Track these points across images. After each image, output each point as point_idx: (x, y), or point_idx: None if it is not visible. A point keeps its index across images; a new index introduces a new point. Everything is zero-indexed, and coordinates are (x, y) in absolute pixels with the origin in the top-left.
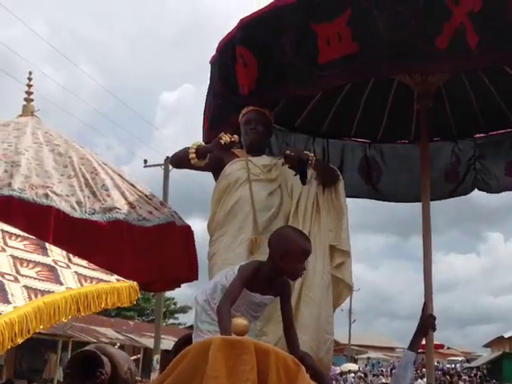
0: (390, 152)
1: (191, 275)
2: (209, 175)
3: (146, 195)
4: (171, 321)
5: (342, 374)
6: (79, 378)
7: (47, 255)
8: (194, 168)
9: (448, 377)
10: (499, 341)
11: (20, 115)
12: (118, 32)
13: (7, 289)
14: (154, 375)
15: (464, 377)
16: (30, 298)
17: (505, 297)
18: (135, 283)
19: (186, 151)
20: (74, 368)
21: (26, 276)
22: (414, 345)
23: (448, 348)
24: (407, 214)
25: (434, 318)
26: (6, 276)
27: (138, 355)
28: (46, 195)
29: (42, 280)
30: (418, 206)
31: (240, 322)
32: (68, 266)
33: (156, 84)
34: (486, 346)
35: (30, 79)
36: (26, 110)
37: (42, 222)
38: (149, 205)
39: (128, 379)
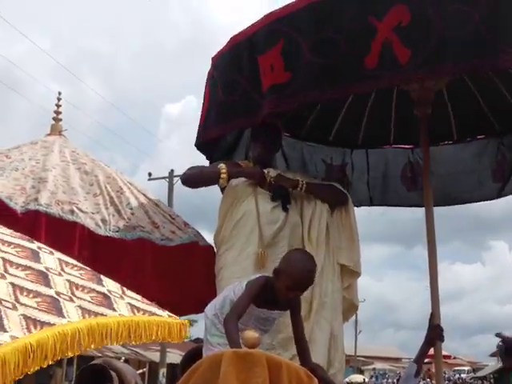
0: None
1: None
2: (213, 187)
3: (169, 215)
4: None
5: None
6: None
7: (102, 285)
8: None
9: None
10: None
11: (48, 134)
12: (122, 46)
13: (62, 306)
14: None
15: None
16: (84, 317)
17: (511, 306)
18: (186, 321)
19: (215, 172)
20: (83, 382)
21: (81, 298)
22: (419, 356)
23: (454, 358)
24: (410, 223)
25: (442, 329)
26: (62, 295)
27: (144, 369)
28: (72, 211)
29: (96, 304)
30: (420, 214)
31: (251, 334)
32: (122, 297)
33: (159, 97)
34: (493, 355)
35: (59, 99)
36: (54, 129)
37: (67, 237)
38: (172, 224)
39: None
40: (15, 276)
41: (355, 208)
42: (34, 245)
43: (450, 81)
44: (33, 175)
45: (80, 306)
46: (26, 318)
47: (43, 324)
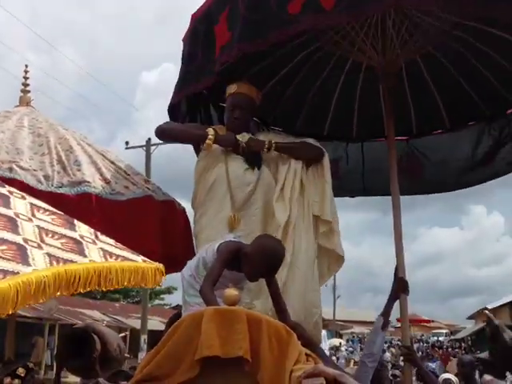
0: (426, 145)
1: (175, 250)
2: (191, 157)
3: (124, 171)
4: (157, 301)
5: (330, 348)
6: (71, 355)
7: (74, 230)
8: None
9: (437, 349)
10: (483, 312)
11: (17, 106)
12: (98, 14)
13: (29, 253)
14: (142, 355)
15: (450, 349)
16: (52, 265)
17: (488, 268)
18: (161, 265)
19: (201, 135)
20: (66, 346)
21: (50, 245)
22: (386, 309)
23: (432, 321)
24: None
25: (406, 282)
26: (30, 242)
27: (126, 333)
28: (11, 169)
29: (66, 251)
30: None
31: (231, 292)
32: (94, 242)
33: (136, 66)
34: (470, 317)
35: (26, 72)
36: (22, 101)
37: None
38: (126, 180)
39: (117, 356)
40: None
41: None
42: (5, 189)
43: (425, 57)
44: None
45: (48, 254)
46: None
47: (6, 273)
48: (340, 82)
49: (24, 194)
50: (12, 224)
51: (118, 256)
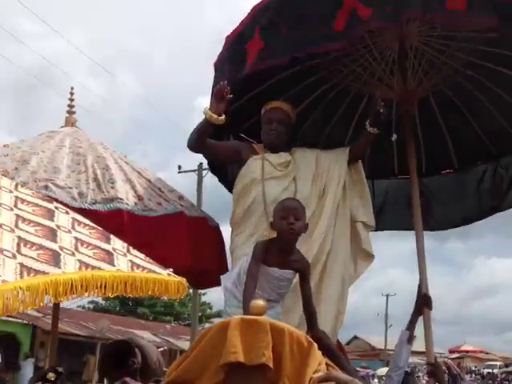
0: (435, 184)
1: (206, 265)
2: None
3: (159, 189)
4: (207, 325)
5: (379, 377)
6: (113, 366)
7: (108, 243)
8: (210, 148)
9: (490, 381)
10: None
11: (62, 126)
12: (157, 42)
13: (62, 259)
14: None
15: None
16: (80, 269)
17: None
18: (184, 280)
19: (202, 120)
20: (109, 357)
21: (83, 254)
22: (410, 323)
23: (487, 353)
24: None
25: (429, 298)
26: (65, 250)
27: (165, 348)
28: (46, 187)
29: (97, 259)
30: None
31: (258, 303)
32: (125, 255)
33: (192, 91)
34: None
35: (71, 93)
36: (68, 122)
37: None
38: (159, 197)
39: (157, 369)
40: (24, 230)
41: None
42: (52, 205)
43: (436, 95)
44: (19, 159)
45: (80, 260)
46: (22, 266)
47: (37, 272)
48: (353, 123)
49: (68, 210)
50: (52, 234)
51: (144, 268)
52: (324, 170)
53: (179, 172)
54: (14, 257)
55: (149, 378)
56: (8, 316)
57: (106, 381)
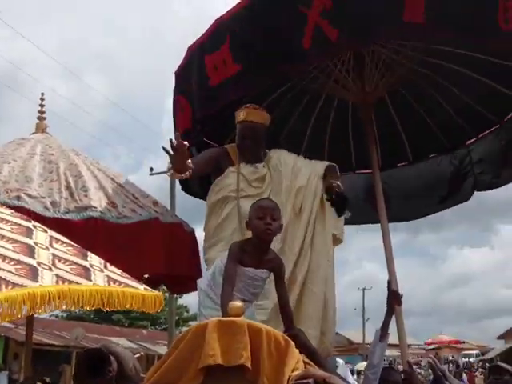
0: (392, 178)
1: (181, 270)
2: None
3: (132, 195)
4: (184, 328)
5: (358, 372)
6: (88, 375)
7: (86, 260)
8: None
9: (466, 370)
10: None
11: (33, 133)
12: (124, 40)
13: (39, 273)
14: None
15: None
16: (58, 283)
17: None
18: (161, 294)
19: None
20: (83, 366)
21: (60, 269)
22: (383, 323)
23: (463, 342)
24: None
25: (399, 294)
26: (42, 265)
27: (141, 353)
28: (18, 197)
29: (74, 274)
30: None
31: (236, 304)
32: (102, 270)
33: (162, 92)
34: (500, 337)
35: (42, 99)
36: (38, 128)
37: None
38: (134, 203)
39: (133, 375)
40: (2, 247)
41: None
42: (31, 223)
43: (391, 94)
44: None
45: (57, 275)
46: (0, 279)
47: (15, 285)
48: (311, 120)
49: (46, 228)
50: (30, 250)
51: (121, 283)
52: (302, 185)
53: (151, 174)
54: None
55: None
56: None
57: None
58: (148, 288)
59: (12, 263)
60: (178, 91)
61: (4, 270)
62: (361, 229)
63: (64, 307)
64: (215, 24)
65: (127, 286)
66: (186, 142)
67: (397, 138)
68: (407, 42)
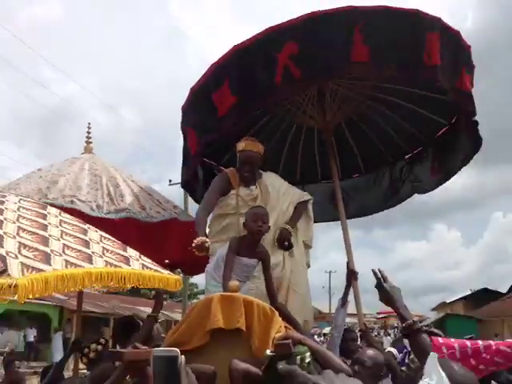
0: (348, 185)
1: (195, 258)
2: None
3: (158, 200)
4: (194, 301)
5: (324, 334)
6: (122, 336)
7: (126, 251)
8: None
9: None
10: (443, 305)
11: (82, 153)
12: (154, 81)
13: (93, 259)
14: None
15: None
16: (107, 266)
17: (448, 272)
18: (180, 277)
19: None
20: (118, 330)
21: (108, 257)
22: (343, 294)
23: None
24: None
25: (355, 272)
26: (95, 254)
27: (162, 319)
28: (72, 201)
29: (118, 261)
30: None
31: (233, 283)
32: (137, 259)
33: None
34: (433, 309)
35: (89, 127)
36: (86, 149)
37: None
38: (158, 207)
39: (156, 336)
40: (67, 240)
41: None
42: (86, 226)
43: (346, 121)
44: (50, 179)
45: (106, 261)
46: (66, 261)
47: (77, 266)
48: (287, 143)
49: (97, 229)
50: (86, 244)
51: (151, 269)
52: (282, 210)
53: (170, 184)
54: (61, 255)
55: (150, 343)
56: (40, 299)
57: (118, 346)
58: (171, 273)
59: (74, 251)
60: (185, 123)
61: (68, 255)
62: (328, 226)
63: (111, 284)
64: (213, 67)
65: (156, 271)
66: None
67: (352, 154)
68: (356, 77)
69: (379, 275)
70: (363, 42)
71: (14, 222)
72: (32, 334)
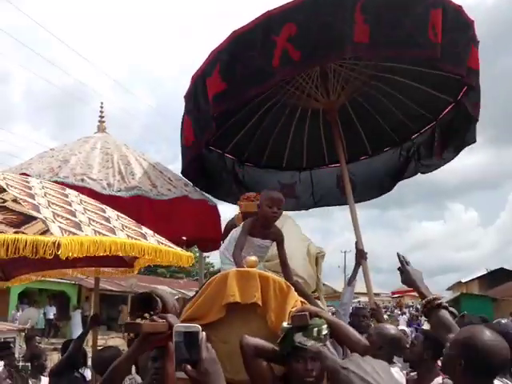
0: (356, 168)
1: (206, 235)
2: None
3: (169, 178)
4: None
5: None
6: (140, 312)
7: (141, 229)
8: None
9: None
10: (458, 285)
11: (95, 132)
12: (168, 61)
13: (116, 231)
14: None
15: None
16: (128, 238)
17: (465, 252)
18: (191, 254)
19: None
20: (136, 306)
21: (128, 232)
22: (352, 272)
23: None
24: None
25: (364, 252)
26: (116, 227)
27: (179, 296)
28: (82, 179)
29: (137, 236)
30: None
31: (251, 259)
32: (153, 236)
33: None
34: (449, 289)
35: (101, 107)
36: (99, 128)
37: None
38: (169, 184)
39: (173, 312)
40: (88, 216)
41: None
42: (103, 206)
43: (351, 102)
44: (61, 159)
45: (127, 234)
46: (94, 231)
47: (104, 235)
48: (292, 127)
49: (113, 210)
50: (107, 219)
51: (166, 244)
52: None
53: None
54: (89, 225)
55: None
56: (59, 278)
57: None
58: (183, 250)
59: (98, 224)
60: (185, 111)
61: (95, 226)
62: (341, 208)
63: (132, 254)
64: (211, 54)
65: (170, 247)
66: None
67: (358, 137)
68: (359, 57)
69: (402, 258)
70: (365, 22)
71: (44, 197)
72: (52, 312)
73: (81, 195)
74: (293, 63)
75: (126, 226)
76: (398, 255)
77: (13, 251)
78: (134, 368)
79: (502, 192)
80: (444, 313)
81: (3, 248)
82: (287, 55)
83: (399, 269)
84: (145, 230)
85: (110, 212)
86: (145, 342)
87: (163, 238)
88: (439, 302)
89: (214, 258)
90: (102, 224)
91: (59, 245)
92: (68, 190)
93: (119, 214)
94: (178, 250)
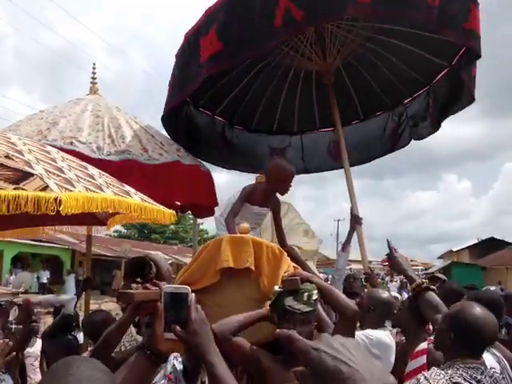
0: (348, 132)
1: (199, 200)
2: None
3: (160, 142)
4: None
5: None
6: (134, 276)
7: (124, 187)
8: None
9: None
10: (449, 253)
11: (87, 94)
12: (163, 27)
13: (103, 188)
14: None
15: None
16: (115, 195)
17: (456, 222)
18: (174, 212)
19: None
20: (130, 270)
21: (113, 188)
22: (346, 238)
23: (412, 260)
24: (377, 162)
25: (359, 217)
26: (102, 184)
27: (172, 261)
28: (71, 143)
29: (122, 192)
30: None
31: (244, 225)
32: (136, 194)
33: None
34: (440, 257)
35: (94, 68)
36: (91, 90)
37: None
38: (161, 149)
39: (167, 276)
40: (76, 172)
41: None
42: (83, 163)
43: (345, 66)
44: (51, 121)
45: (113, 191)
46: (86, 188)
47: (92, 191)
48: (284, 90)
49: (93, 167)
50: (91, 176)
51: (149, 202)
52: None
53: None
54: (78, 182)
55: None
56: (52, 243)
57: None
58: (165, 208)
59: (85, 181)
60: (174, 68)
61: (83, 183)
62: (338, 174)
63: (120, 211)
64: (206, 12)
65: (154, 204)
66: None
67: (350, 100)
68: (355, 20)
69: (391, 245)
70: None
71: (29, 153)
72: (45, 276)
73: (61, 152)
74: (296, 23)
75: (110, 184)
76: (388, 242)
77: (14, 208)
78: (134, 330)
79: (495, 163)
80: (431, 294)
81: (4, 204)
82: (290, 15)
83: (387, 255)
84: (127, 187)
85: (92, 169)
86: (137, 310)
87: (145, 196)
88: (426, 285)
89: (207, 224)
90: (88, 181)
91: (60, 201)
92: (48, 148)
93: (101, 171)
94: (161, 207)
